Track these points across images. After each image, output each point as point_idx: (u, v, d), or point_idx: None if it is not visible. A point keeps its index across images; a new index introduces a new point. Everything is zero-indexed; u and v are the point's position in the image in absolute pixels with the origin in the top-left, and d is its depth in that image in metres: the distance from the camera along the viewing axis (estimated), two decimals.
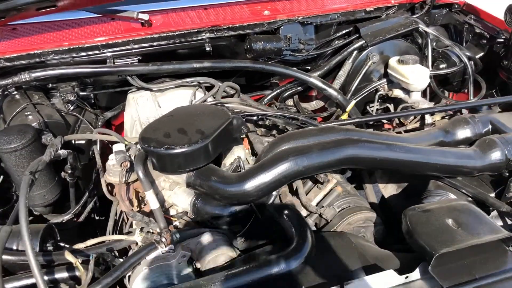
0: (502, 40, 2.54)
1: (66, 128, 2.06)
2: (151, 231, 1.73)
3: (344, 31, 2.60)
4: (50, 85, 2.20)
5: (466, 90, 2.58)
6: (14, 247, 1.62)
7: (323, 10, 2.46)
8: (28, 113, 2.00)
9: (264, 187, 1.61)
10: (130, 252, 1.80)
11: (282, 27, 2.40)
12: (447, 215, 1.51)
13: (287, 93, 2.58)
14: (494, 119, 2.07)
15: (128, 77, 2.23)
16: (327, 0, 2.60)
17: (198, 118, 1.77)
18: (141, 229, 1.75)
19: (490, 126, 2.05)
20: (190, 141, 1.62)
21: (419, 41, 2.68)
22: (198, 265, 1.69)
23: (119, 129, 2.42)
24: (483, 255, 1.42)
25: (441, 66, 2.59)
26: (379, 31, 2.53)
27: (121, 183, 1.71)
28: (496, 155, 1.86)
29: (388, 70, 2.53)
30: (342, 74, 2.58)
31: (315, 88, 2.48)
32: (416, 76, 2.36)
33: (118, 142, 1.83)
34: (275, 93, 2.56)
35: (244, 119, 1.86)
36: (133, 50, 2.22)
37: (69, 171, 1.96)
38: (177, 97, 2.29)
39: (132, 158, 1.74)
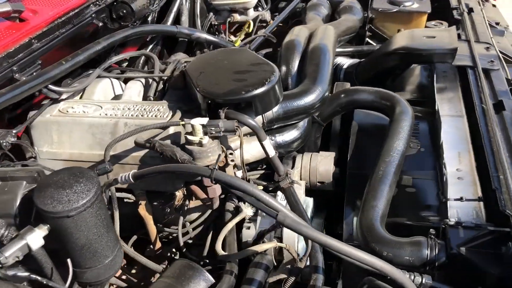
0: None
1: None
2: None
3: None
4: None
5: None
6: None
7: None
8: None
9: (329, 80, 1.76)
10: None
11: None
12: None
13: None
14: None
15: (44, 89, 1.63)
16: None
17: (228, 60, 1.64)
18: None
19: (328, 3, 2.68)
20: (272, 71, 1.54)
21: None
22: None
23: None
24: None
25: None
26: None
27: (242, 148, 1.43)
28: (357, 11, 2.55)
29: (215, 2, 2.73)
30: (185, 20, 2.59)
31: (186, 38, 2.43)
32: None
33: None
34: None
35: None
36: (37, 52, 1.62)
37: None
38: (103, 88, 1.85)
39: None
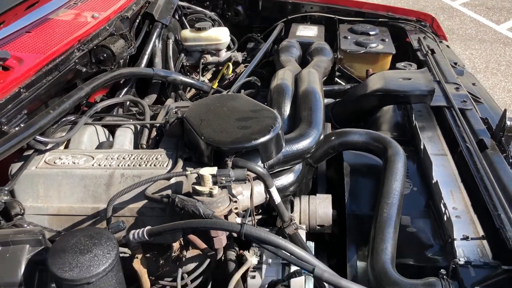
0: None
1: None
2: None
3: (140, 20, 2.54)
4: None
5: None
6: None
7: (124, 4, 2.32)
8: None
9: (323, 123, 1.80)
10: None
11: (115, 27, 2.15)
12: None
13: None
14: (297, 40, 2.78)
15: (33, 141, 1.54)
16: None
17: (226, 107, 1.62)
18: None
19: (298, 44, 2.75)
20: (274, 117, 1.55)
21: (177, 17, 2.93)
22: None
23: None
24: None
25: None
26: (162, 12, 2.63)
27: (252, 197, 1.41)
28: (328, 52, 2.64)
29: (186, 43, 2.72)
30: (159, 61, 2.56)
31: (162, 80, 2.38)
32: (224, 35, 2.70)
33: None
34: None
35: None
36: (25, 102, 1.53)
37: None
38: (90, 136, 1.78)
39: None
